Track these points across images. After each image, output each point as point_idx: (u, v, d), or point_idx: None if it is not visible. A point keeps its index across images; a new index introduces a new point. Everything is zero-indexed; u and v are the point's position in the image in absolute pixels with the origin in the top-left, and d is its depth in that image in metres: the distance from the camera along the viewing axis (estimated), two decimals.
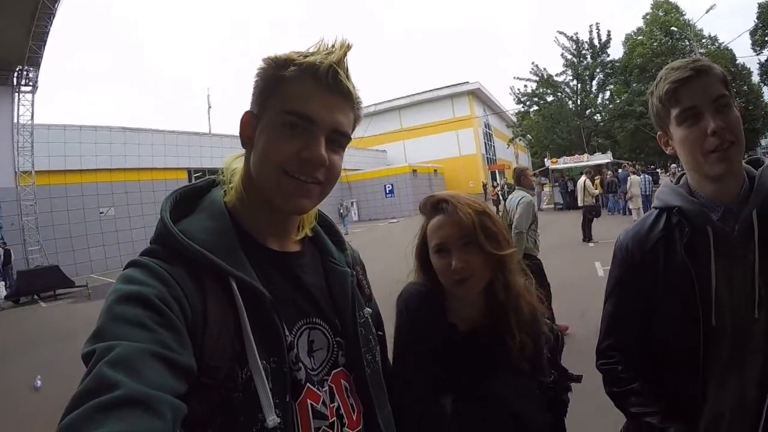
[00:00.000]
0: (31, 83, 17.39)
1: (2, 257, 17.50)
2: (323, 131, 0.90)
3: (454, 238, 1.30)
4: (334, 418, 0.94)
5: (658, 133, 1.37)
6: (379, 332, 1.18)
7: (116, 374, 0.62)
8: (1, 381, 6.75)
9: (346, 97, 0.92)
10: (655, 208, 1.42)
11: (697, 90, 1.21)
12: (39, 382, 6.24)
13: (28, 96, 17.53)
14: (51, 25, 15.39)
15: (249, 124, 0.94)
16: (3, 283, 16.72)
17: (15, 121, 17.29)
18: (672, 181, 1.43)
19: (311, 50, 0.91)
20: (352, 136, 0.99)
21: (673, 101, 1.25)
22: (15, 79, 17.09)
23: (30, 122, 17.71)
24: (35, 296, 15.31)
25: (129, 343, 0.67)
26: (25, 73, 17.08)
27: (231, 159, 1.06)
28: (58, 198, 20.40)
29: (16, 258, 17.55)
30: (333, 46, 0.91)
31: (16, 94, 17.24)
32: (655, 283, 1.34)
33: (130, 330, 0.69)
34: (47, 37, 15.86)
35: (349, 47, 0.91)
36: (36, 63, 16.87)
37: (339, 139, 0.93)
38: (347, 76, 0.91)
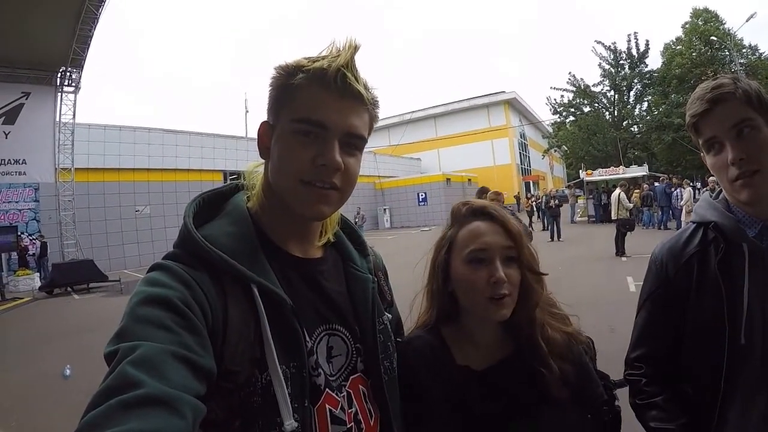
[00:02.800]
0: (73, 84, 17.89)
1: (39, 249, 18.25)
2: (336, 135, 0.89)
3: (500, 247, 1.14)
4: (352, 423, 0.94)
5: (702, 154, 1.35)
6: (398, 339, 1.18)
7: (139, 373, 0.62)
8: (33, 368, 6.92)
9: (358, 99, 0.91)
10: (692, 222, 1.40)
11: (714, 121, 1.20)
12: (68, 371, 6.36)
13: (71, 96, 18.05)
14: (95, 29, 15.79)
15: (266, 134, 0.96)
16: (38, 274, 17.40)
17: (57, 119, 17.84)
18: (711, 196, 1.41)
19: (323, 53, 0.90)
20: (368, 138, 0.98)
21: (696, 132, 1.27)
22: (58, 80, 17.62)
23: (71, 121, 18.25)
24: (69, 288, 15.75)
25: (152, 344, 0.67)
26: (68, 74, 17.59)
27: (253, 166, 1.07)
28: (95, 195, 21.04)
29: (52, 251, 18.15)
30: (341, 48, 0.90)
31: (59, 93, 17.77)
32: (687, 297, 1.31)
33: (153, 331, 0.70)
34: (91, 40, 16.27)
35: (356, 48, 0.90)
36: (79, 64, 17.33)
37: (354, 142, 0.93)
38: (356, 78, 0.89)
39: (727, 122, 1.18)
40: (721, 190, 1.38)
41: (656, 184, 21.29)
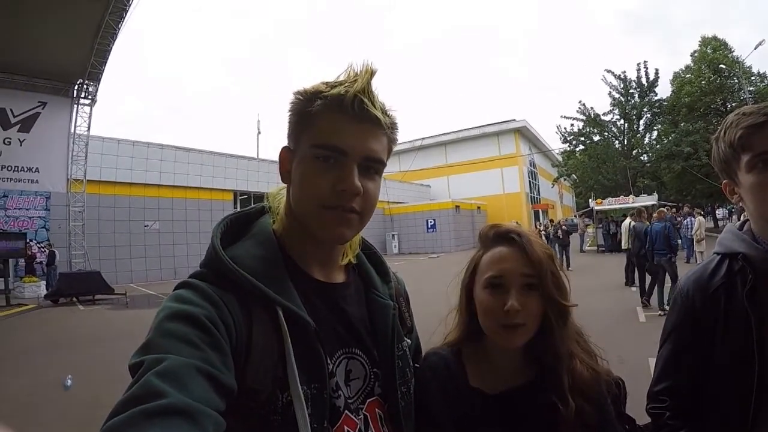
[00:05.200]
0: (90, 97, 18.25)
1: (47, 257, 18.36)
2: (355, 160, 0.90)
3: (519, 275, 1.11)
4: None
5: (724, 181, 1.33)
6: (416, 365, 1.19)
7: (163, 384, 0.63)
8: (33, 376, 6.89)
9: (376, 124, 0.92)
10: (717, 253, 1.38)
11: None
12: (69, 382, 6.31)
13: (86, 108, 18.39)
14: (113, 44, 16.14)
15: (286, 159, 0.97)
16: (44, 282, 17.47)
17: (72, 131, 18.14)
18: (735, 227, 1.39)
19: (340, 78, 0.92)
20: (387, 161, 0.99)
21: (746, 147, 1.21)
22: (75, 92, 17.93)
23: (86, 133, 18.57)
24: (74, 298, 15.81)
25: (177, 357, 0.69)
26: (85, 86, 17.93)
27: (276, 190, 1.09)
28: (105, 207, 21.28)
29: (59, 260, 18.27)
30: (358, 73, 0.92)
31: (75, 105, 18.07)
32: (714, 329, 1.28)
33: (179, 346, 0.71)
34: (109, 54, 16.64)
35: (372, 73, 0.91)
36: (96, 78, 17.72)
37: (374, 166, 0.94)
38: (373, 103, 0.90)
39: None
40: (744, 222, 1.37)
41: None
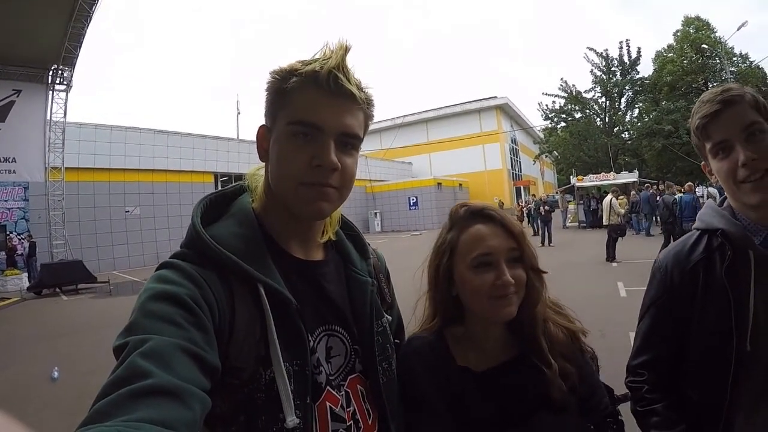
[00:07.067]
0: (65, 82, 17.83)
1: (27, 249, 18.10)
2: (331, 136, 0.91)
3: (506, 249, 1.14)
4: (351, 422, 0.97)
5: (702, 162, 1.36)
6: (397, 340, 1.19)
7: (148, 365, 0.64)
8: (20, 370, 6.85)
9: (351, 99, 0.92)
10: (697, 229, 1.40)
11: (725, 122, 1.20)
12: (56, 373, 6.32)
13: (62, 94, 17.99)
14: (87, 27, 15.73)
15: (264, 137, 0.98)
16: (26, 274, 17.25)
17: (48, 118, 17.75)
18: (716, 203, 1.41)
19: (316, 56, 0.92)
20: (364, 137, 0.99)
21: (704, 136, 1.26)
22: (50, 78, 17.52)
23: (62, 120, 18.18)
24: (57, 289, 15.64)
25: (161, 338, 0.69)
26: (60, 72, 17.51)
27: (254, 169, 1.09)
28: (85, 195, 20.94)
29: (40, 251, 18.01)
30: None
31: (51, 92, 17.68)
32: (692, 304, 1.31)
33: (163, 326, 0.72)
34: (83, 38, 16.23)
35: (347, 49, 0.91)
36: (71, 63, 17.28)
37: (350, 141, 0.95)
38: (348, 79, 0.91)
39: (739, 124, 1.18)
40: (725, 198, 1.39)
41: (642, 192, 21.43)
